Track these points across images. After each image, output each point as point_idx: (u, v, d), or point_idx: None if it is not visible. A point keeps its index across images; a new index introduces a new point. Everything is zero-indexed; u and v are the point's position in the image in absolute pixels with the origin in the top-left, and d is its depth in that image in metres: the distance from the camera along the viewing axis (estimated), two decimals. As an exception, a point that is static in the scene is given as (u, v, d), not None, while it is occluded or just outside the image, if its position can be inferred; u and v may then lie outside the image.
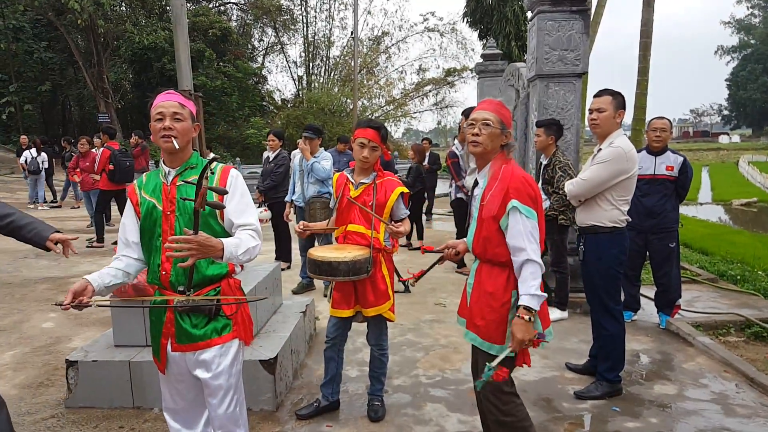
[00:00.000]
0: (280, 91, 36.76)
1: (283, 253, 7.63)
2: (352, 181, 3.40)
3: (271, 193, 7.15)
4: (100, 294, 2.26)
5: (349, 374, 4.18)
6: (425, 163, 11.09)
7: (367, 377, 3.67)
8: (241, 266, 2.55)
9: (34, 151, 14.23)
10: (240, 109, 28.20)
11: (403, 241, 9.23)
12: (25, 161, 14.08)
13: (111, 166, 8.90)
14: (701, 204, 17.91)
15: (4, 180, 19.30)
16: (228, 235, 2.32)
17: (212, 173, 2.33)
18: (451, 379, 4.09)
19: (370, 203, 3.31)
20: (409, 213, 3.52)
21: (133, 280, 2.51)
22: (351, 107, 26.66)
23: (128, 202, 2.43)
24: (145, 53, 25.94)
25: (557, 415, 3.55)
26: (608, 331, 3.79)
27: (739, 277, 6.82)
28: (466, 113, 6.45)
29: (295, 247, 7.46)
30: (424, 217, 11.00)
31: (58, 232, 2.77)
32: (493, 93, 10.42)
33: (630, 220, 3.85)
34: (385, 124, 33.23)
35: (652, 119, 5.09)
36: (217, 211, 2.31)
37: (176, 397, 2.50)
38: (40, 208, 14.30)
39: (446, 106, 33.88)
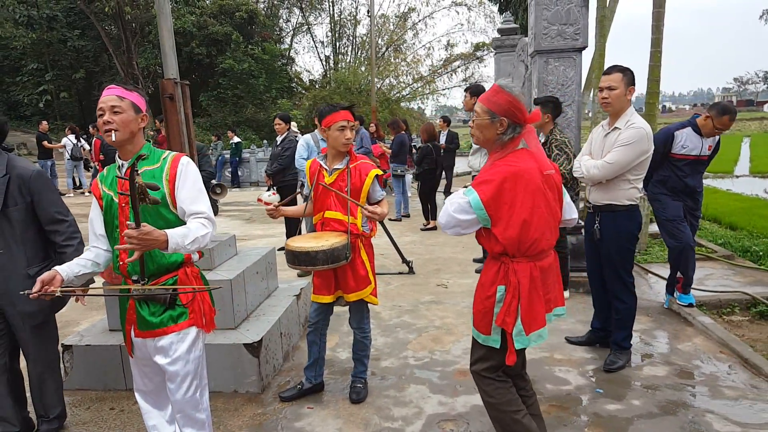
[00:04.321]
0: (309, 71, 36.70)
1: (292, 236, 7.72)
2: (326, 167, 3.41)
3: (278, 176, 7.21)
4: (70, 283, 2.37)
5: (339, 356, 4.25)
6: (442, 142, 10.98)
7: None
8: (200, 254, 2.61)
9: (73, 137, 14.69)
10: (267, 91, 28.30)
11: (421, 223, 9.22)
12: (68, 148, 14.54)
13: (102, 156, 9.10)
14: (737, 176, 17.28)
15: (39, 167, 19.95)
16: (182, 222, 2.38)
17: (159, 166, 2.41)
18: (439, 361, 4.12)
19: (345, 188, 3.33)
20: (385, 195, 3.52)
21: (102, 270, 2.61)
22: (377, 86, 26.51)
23: (93, 197, 2.53)
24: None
25: (538, 396, 3.52)
26: (626, 304, 3.91)
27: (762, 253, 6.60)
28: (471, 90, 6.36)
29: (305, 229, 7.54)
30: (442, 196, 10.97)
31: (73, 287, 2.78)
32: (508, 69, 10.23)
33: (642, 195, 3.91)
34: (414, 102, 32.87)
35: (723, 112, 4.54)
36: (169, 200, 2.38)
37: (145, 380, 2.63)
38: (71, 194, 14.72)
39: (476, 82, 33.28)
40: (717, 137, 4.82)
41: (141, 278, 2.32)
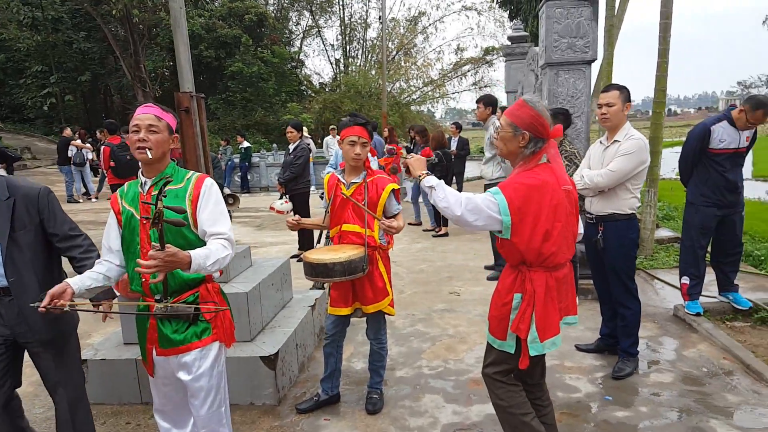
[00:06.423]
0: (319, 75, 36.79)
1: (305, 244, 7.80)
2: (343, 181, 3.50)
3: (291, 184, 7.32)
4: (81, 296, 2.40)
5: (354, 366, 4.34)
6: (453, 148, 11.03)
7: (373, 370, 3.80)
8: (220, 272, 2.67)
9: (79, 142, 14.70)
10: (277, 94, 28.20)
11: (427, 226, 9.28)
12: (72, 153, 14.45)
13: (112, 163, 9.13)
14: (741, 180, 17.09)
15: (44, 172, 19.86)
16: (202, 242, 2.43)
17: (183, 186, 2.46)
18: (452, 370, 4.21)
19: (362, 202, 3.41)
20: (401, 209, 3.60)
21: (113, 285, 2.64)
22: (388, 89, 26.53)
23: (111, 210, 2.57)
24: (182, 41, 26.33)
25: (550, 406, 3.63)
26: (631, 310, 4.09)
27: (763, 258, 6.63)
28: (484, 101, 6.49)
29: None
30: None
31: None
32: (519, 77, 10.29)
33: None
34: (424, 106, 32.80)
35: (757, 106, 4.50)
36: (191, 220, 2.42)
37: (164, 400, 2.67)
38: (80, 200, 14.75)
39: (485, 86, 33.21)
40: (752, 129, 4.76)
41: (164, 297, 2.36)
